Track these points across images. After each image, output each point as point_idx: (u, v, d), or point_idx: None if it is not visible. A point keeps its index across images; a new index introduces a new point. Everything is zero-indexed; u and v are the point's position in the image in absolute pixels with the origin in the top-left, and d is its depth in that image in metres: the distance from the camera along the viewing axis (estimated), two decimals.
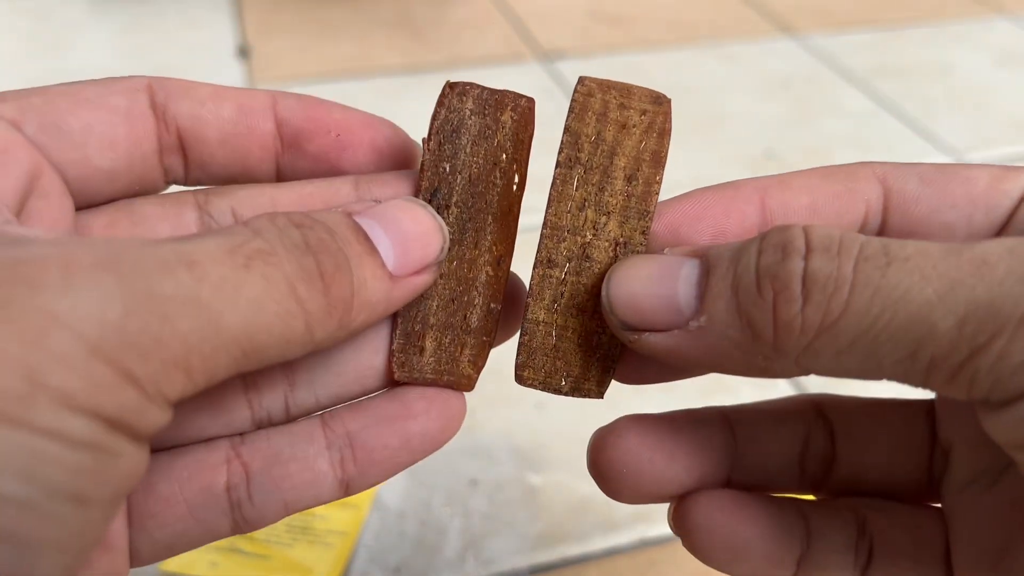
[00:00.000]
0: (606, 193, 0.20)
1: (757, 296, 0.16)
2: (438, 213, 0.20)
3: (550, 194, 0.20)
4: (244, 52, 0.82)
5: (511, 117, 0.20)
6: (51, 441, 0.13)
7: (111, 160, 0.20)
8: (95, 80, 0.20)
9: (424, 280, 0.19)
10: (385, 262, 0.18)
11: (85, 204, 0.20)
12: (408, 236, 0.18)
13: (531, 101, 0.21)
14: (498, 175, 0.21)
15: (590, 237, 0.20)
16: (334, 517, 0.40)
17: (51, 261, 0.14)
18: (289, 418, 0.21)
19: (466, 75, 0.82)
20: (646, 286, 0.18)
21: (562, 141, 0.20)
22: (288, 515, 0.20)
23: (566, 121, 0.20)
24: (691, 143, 0.69)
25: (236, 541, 0.39)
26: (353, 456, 0.20)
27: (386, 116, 0.23)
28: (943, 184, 0.19)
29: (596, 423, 0.22)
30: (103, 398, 0.13)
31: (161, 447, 0.20)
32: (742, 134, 0.71)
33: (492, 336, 0.21)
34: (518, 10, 0.92)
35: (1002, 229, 0.19)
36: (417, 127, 0.23)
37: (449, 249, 0.20)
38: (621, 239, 0.20)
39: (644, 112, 0.20)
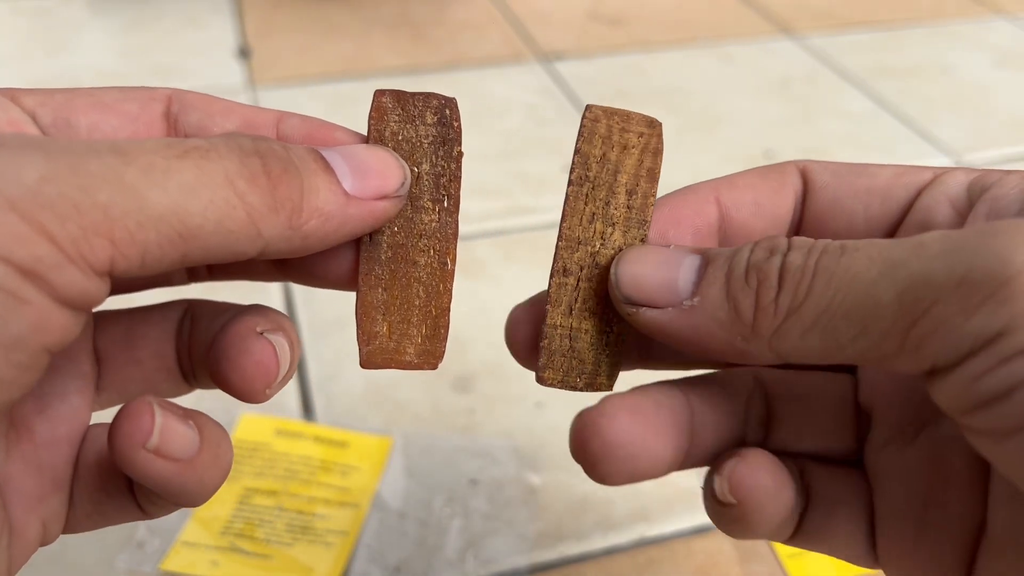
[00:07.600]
0: (611, 207, 0.22)
1: (744, 284, 0.19)
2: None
3: (564, 209, 0.22)
4: (244, 52, 0.82)
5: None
6: None
7: None
8: (122, 87, 0.21)
9: (384, 208, 0.20)
10: (341, 181, 0.19)
11: None
12: (366, 164, 0.20)
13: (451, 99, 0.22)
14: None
15: (598, 246, 0.22)
16: (334, 517, 0.40)
17: None
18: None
19: (466, 75, 0.82)
20: (652, 269, 0.21)
21: (573, 162, 0.22)
22: None
23: (576, 144, 0.22)
24: (690, 144, 0.69)
25: (237, 541, 0.39)
26: None
27: None
28: (850, 179, 0.22)
29: None
30: (14, 247, 0.15)
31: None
32: (741, 134, 0.71)
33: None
34: (518, 11, 0.92)
35: (901, 217, 0.21)
36: None
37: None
38: (624, 246, 0.22)
39: (641, 135, 0.22)
